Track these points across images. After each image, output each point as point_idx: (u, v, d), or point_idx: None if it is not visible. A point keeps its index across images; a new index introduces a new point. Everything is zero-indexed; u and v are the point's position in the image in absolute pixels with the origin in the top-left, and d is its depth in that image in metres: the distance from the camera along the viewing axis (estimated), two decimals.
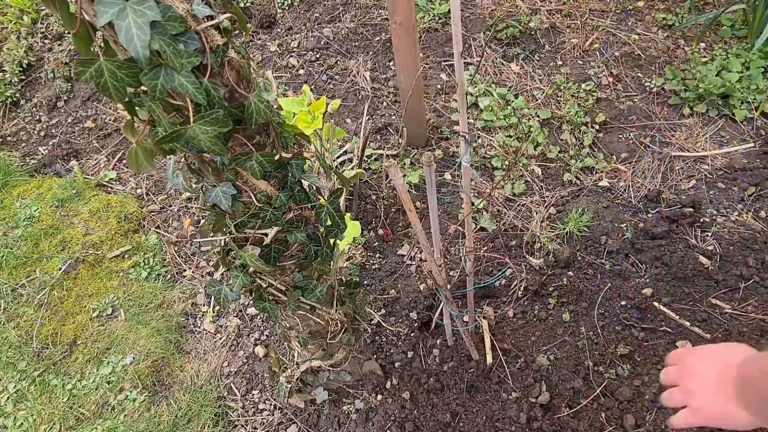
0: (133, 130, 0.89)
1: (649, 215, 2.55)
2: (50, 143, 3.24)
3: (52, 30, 3.47)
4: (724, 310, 2.22)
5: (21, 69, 3.38)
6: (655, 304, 2.27)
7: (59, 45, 3.42)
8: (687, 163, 2.72)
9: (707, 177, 2.66)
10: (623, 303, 2.30)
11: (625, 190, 2.65)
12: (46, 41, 3.48)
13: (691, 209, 2.51)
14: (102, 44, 0.76)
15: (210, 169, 1.01)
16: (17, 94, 3.39)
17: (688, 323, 2.20)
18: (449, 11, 3.43)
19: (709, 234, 2.43)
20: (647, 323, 2.23)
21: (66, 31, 3.48)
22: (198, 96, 0.76)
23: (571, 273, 2.40)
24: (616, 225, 2.52)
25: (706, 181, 2.64)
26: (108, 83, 0.72)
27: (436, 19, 3.39)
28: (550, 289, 2.38)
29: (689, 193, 2.61)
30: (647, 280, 2.35)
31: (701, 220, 2.49)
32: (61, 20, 0.67)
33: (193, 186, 1.11)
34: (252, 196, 1.10)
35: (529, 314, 2.33)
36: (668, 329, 2.20)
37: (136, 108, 0.86)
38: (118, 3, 0.66)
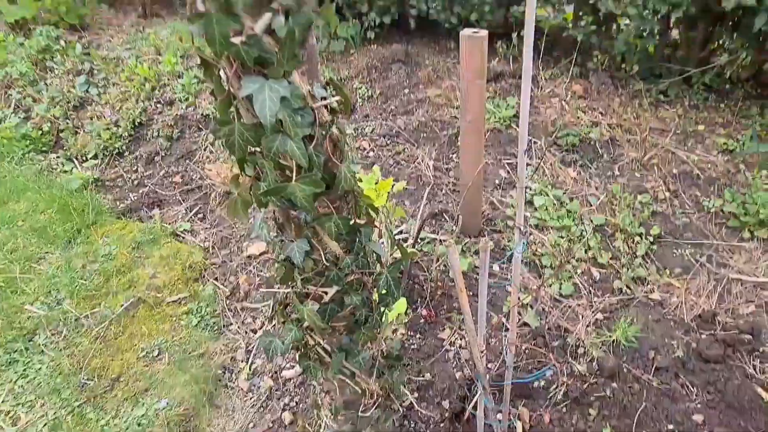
0: (238, 183, 1.06)
1: (702, 336, 2.46)
2: (140, 191, 3.61)
3: (166, 97, 4.02)
4: None
5: (133, 126, 3.90)
6: None
7: (169, 109, 3.92)
8: (746, 288, 2.64)
9: None
10: (670, 427, 2.17)
11: (677, 306, 2.59)
12: (159, 105, 4.01)
13: (750, 336, 2.40)
14: (234, 110, 0.94)
15: (293, 225, 1.14)
16: (124, 147, 3.87)
17: None
18: (514, 116, 3.67)
19: None
20: None
21: (182, 98, 3.99)
22: (302, 160, 0.91)
23: (615, 384, 2.31)
24: (666, 341, 2.44)
25: (766, 309, 2.55)
26: (235, 141, 0.89)
27: (501, 121, 3.63)
28: (592, 398, 2.29)
29: (748, 319, 2.51)
30: (698, 405, 2.22)
31: (761, 349, 2.37)
32: (213, 88, 0.85)
33: (273, 239, 1.24)
34: (322, 254, 1.22)
35: (566, 423, 2.23)
36: None
37: (246, 166, 1.03)
38: (259, 80, 0.84)
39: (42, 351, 2.68)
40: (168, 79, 4.16)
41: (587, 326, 2.51)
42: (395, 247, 1.37)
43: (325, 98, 0.91)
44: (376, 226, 1.22)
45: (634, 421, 2.18)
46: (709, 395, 2.24)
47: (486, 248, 1.36)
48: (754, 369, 2.30)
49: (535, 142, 3.50)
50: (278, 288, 1.38)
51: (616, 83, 4.01)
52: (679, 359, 2.37)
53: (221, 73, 0.85)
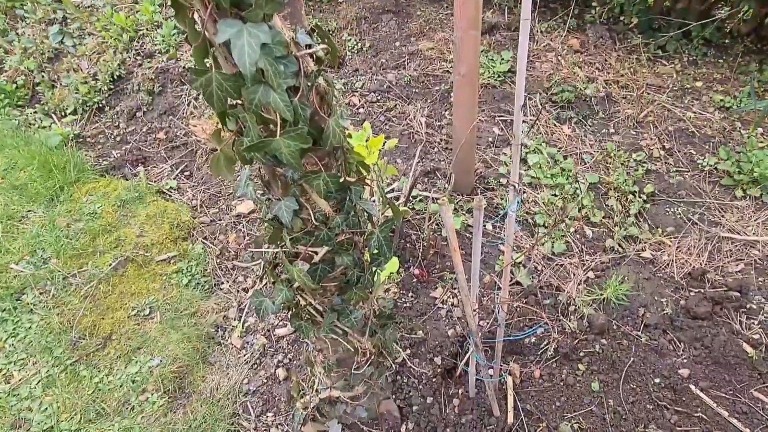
0: (220, 138, 0.99)
1: (691, 293, 2.48)
2: (123, 148, 3.50)
3: (145, 48, 3.83)
4: (767, 405, 2.11)
5: (112, 80, 3.73)
6: (692, 387, 2.18)
7: (149, 62, 3.75)
8: (736, 246, 2.65)
9: (757, 263, 2.58)
10: (657, 381, 2.22)
11: (668, 264, 2.60)
12: (138, 58, 3.83)
13: (738, 293, 2.43)
14: (212, 59, 0.87)
15: (279, 182, 1.09)
16: (103, 101, 3.72)
17: (726, 413, 2.09)
18: (509, 70, 3.56)
19: (755, 322, 2.35)
20: (681, 406, 2.14)
21: (162, 50, 3.81)
22: (287, 113, 0.84)
23: (604, 341, 2.34)
24: (656, 298, 2.47)
25: (755, 267, 2.57)
26: (213, 92, 0.82)
27: (496, 76, 3.52)
28: (581, 354, 2.32)
29: (736, 276, 2.54)
30: (685, 361, 2.27)
31: (747, 306, 2.40)
32: (181, 38, 0.78)
33: (259, 197, 1.19)
34: (311, 213, 1.17)
35: (556, 377, 2.28)
36: (704, 416, 2.10)
37: (227, 120, 0.96)
38: (237, 24, 0.76)
39: (31, 310, 2.66)
40: (147, 29, 3.96)
41: (579, 284, 2.52)
42: (387, 206, 1.33)
43: (310, 46, 0.84)
44: (366, 184, 1.17)
45: (621, 376, 2.23)
46: (695, 351, 2.28)
47: (480, 206, 1.32)
48: (741, 325, 2.34)
49: (530, 99, 3.41)
50: (267, 248, 1.34)
51: (613, 37, 3.88)
52: (668, 316, 2.40)
53: (195, 16, 0.77)
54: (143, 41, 3.90)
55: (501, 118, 3.36)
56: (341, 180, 1.09)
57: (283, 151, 0.87)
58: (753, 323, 2.34)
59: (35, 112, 3.77)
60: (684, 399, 2.15)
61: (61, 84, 3.77)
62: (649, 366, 2.26)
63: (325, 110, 0.96)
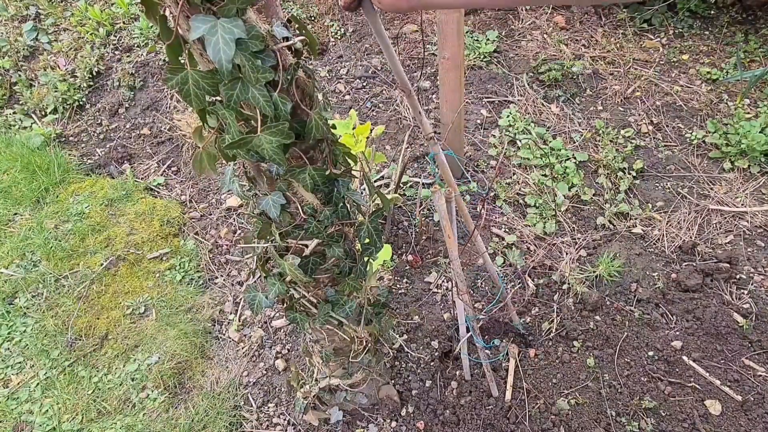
0: (201, 136, 0.98)
1: (682, 266, 2.51)
2: (107, 146, 3.44)
3: (123, 42, 3.74)
4: (758, 372, 2.15)
5: (91, 76, 3.65)
6: (684, 358, 2.22)
7: (128, 56, 3.67)
8: (725, 218, 2.68)
9: (746, 233, 2.61)
10: (650, 354, 2.25)
11: (659, 239, 2.62)
12: (117, 52, 3.75)
13: (727, 265, 2.46)
14: (187, 56, 0.85)
15: (265, 178, 1.08)
16: (84, 99, 3.64)
17: (718, 382, 2.13)
18: (494, 51, 3.53)
19: (745, 292, 2.38)
20: (675, 377, 2.17)
21: (141, 44, 3.73)
22: (267, 108, 0.83)
23: (598, 317, 2.37)
24: (647, 273, 2.49)
25: (744, 238, 2.59)
26: (190, 90, 0.80)
27: (481, 57, 3.49)
28: (576, 332, 2.35)
29: (726, 248, 2.56)
30: (677, 333, 2.30)
31: (737, 276, 2.43)
32: (158, 32, 0.76)
33: (246, 193, 1.18)
34: (299, 207, 1.17)
35: (552, 355, 2.30)
36: (697, 386, 2.14)
37: (207, 117, 0.94)
38: (210, 20, 0.74)
39: (24, 313, 2.64)
40: (123, 23, 3.87)
41: (571, 263, 2.54)
42: (376, 195, 1.32)
43: (287, 38, 0.82)
44: (354, 176, 1.16)
45: (616, 351, 2.26)
46: (687, 323, 2.31)
47: (450, 197, 1.31)
48: (731, 296, 2.37)
49: (516, 79, 3.39)
50: (256, 243, 1.33)
51: (599, 12, 3.85)
52: (660, 290, 2.42)
53: (166, 12, 0.75)
54: (121, 35, 3.82)
55: (488, 99, 3.34)
56: (327, 173, 1.08)
57: (265, 147, 0.86)
58: (743, 293, 2.37)
59: (14, 113, 3.70)
60: (677, 370, 2.19)
61: (39, 83, 3.69)
62: (643, 340, 2.29)
63: (307, 103, 0.94)
